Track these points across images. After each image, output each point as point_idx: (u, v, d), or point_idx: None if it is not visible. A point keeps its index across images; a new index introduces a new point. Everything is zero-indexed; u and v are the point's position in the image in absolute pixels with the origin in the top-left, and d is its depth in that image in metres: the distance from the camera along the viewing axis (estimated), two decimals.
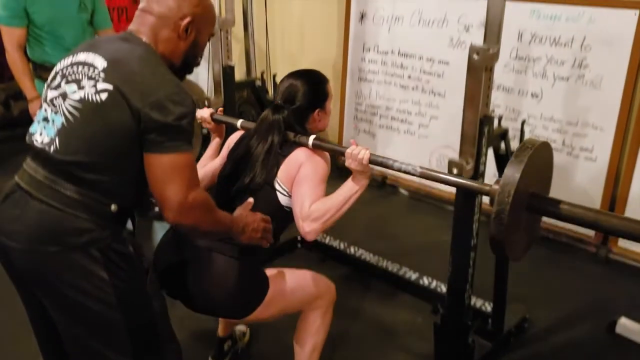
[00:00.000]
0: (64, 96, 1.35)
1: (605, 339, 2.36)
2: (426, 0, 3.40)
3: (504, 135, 1.99)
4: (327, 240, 2.90)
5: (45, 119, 1.38)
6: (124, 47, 1.38)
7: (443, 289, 2.43)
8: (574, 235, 3.03)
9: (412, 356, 2.27)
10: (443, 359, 2.05)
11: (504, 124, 2.00)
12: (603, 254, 2.91)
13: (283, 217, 1.75)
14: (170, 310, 1.53)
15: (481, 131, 1.79)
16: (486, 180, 1.85)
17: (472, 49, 1.70)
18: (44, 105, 1.40)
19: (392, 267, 2.68)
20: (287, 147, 1.77)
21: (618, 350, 2.30)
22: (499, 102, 3.17)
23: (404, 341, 2.34)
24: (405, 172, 1.73)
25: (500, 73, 3.08)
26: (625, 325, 2.34)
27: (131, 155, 1.32)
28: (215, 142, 2.10)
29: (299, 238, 2.95)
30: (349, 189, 1.72)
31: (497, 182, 1.60)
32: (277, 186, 1.72)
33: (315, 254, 2.91)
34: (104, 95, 1.30)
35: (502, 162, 1.98)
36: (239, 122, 2.04)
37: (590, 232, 2.97)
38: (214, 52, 2.90)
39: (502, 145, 1.99)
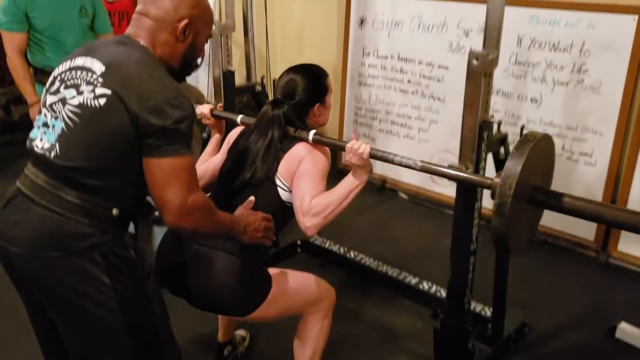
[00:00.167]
0: (63, 101, 1.35)
1: (605, 343, 2.35)
2: (426, 5, 3.41)
3: (503, 140, 1.99)
4: (327, 245, 2.91)
5: (45, 125, 1.38)
6: (121, 51, 1.37)
7: (443, 293, 2.43)
8: (573, 239, 3.03)
9: None
10: None
11: (503, 128, 2.00)
12: (603, 258, 2.91)
13: (284, 212, 1.75)
14: (170, 315, 1.53)
15: (480, 136, 1.79)
16: None
17: (472, 55, 1.70)
18: (44, 111, 1.40)
19: (392, 271, 2.68)
20: (287, 142, 1.76)
21: (618, 355, 2.30)
22: (498, 107, 3.18)
23: (403, 346, 2.34)
24: (406, 166, 1.73)
25: (500, 78, 3.09)
26: (625, 330, 2.34)
27: (131, 160, 1.32)
28: (215, 138, 2.10)
29: (299, 242, 2.95)
30: (350, 184, 1.71)
31: (498, 174, 1.59)
32: (277, 181, 1.72)
33: (315, 259, 2.91)
34: (102, 100, 1.30)
35: (501, 166, 1.98)
36: (239, 118, 2.03)
37: (590, 237, 2.98)
38: (214, 57, 2.90)
39: (502, 150, 2.00)
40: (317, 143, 1.77)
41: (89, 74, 1.34)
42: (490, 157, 1.93)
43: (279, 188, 1.73)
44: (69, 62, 1.41)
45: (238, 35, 3.17)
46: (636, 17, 2.66)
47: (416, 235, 3.28)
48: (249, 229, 1.57)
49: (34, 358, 1.66)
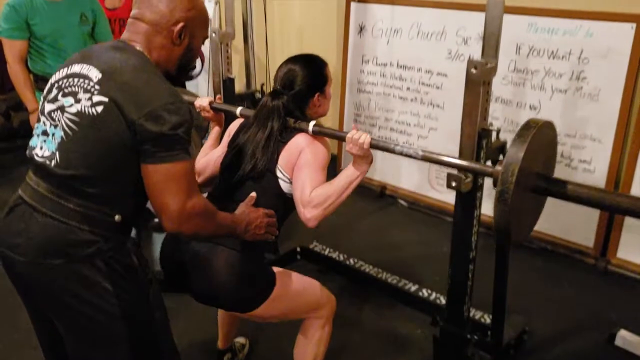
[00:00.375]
0: (62, 109, 1.34)
1: (605, 351, 2.35)
2: (425, 13, 3.42)
3: (502, 147, 1.99)
4: (326, 252, 2.91)
5: (45, 133, 1.38)
6: (117, 57, 1.36)
7: (442, 300, 2.43)
8: (572, 246, 3.04)
9: None
10: None
11: (502, 136, 2.00)
12: (602, 265, 2.91)
13: (286, 204, 1.75)
14: (171, 322, 1.53)
15: (479, 144, 1.79)
16: (484, 193, 1.86)
17: (470, 63, 1.70)
18: (42, 119, 1.40)
19: (392, 278, 2.68)
20: (287, 133, 1.76)
21: None
22: (497, 115, 3.19)
23: (403, 353, 2.34)
24: (407, 155, 1.71)
25: (499, 85, 3.10)
26: (625, 338, 2.34)
27: (130, 166, 1.32)
28: (214, 131, 2.09)
29: (298, 249, 2.95)
30: (350, 174, 1.71)
31: (499, 162, 1.56)
32: (278, 173, 1.72)
33: (314, 265, 2.91)
34: (99, 108, 1.30)
35: None
36: (238, 110, 2.01)
37: (589, 244, 2.98)
38: (214, 64, 2.91)
39: (501, 157, 2.00)
40: (317, 134, 1.76)
41: (86, 81, 1.33)
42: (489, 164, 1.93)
43: (280, 180, 1.72)
44: (65, 69, 1.40)
45: (238, 42, 3.18)
46: (634, 25, 2.68)
47: (416, 242, 3.28)
48: (250, 227, 1.57)
49: None
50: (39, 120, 1.42)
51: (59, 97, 1.36)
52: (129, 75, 1.32)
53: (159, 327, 1.47)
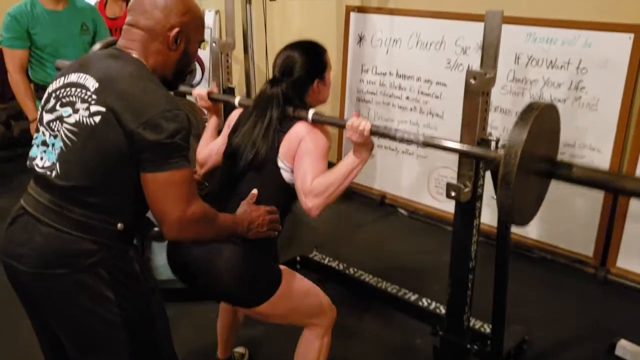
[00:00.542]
0: (60, 120, 1.34)
1: None
2: (424, 23, 3.44)
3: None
4: (326, 261, 2.90)
5: (44, 143, 1.38)
6: (114, 66, 1.36)
7: (442, 310, 2.42)
8: (572, 256, 3.04)
9: None
10: None
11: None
12: (601, 275, 2.91)
13: (289, 194, 1.74)
14: (171, 330, 1.53)
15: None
16: (484, 202, 1.86)
17: (469, 74, 1.70)
18: (41, 129, 1.39)
19: (391, 288, 2.68)
20: (286, 122, 1.74)
21: None
22: (496, 124, 3.19)
23: None
24: (407, 141, 1.71)
25: (498, 95, 3.11)
26: (625, 348, 2.34)
27: (130, 175, 1.32)
28: (212, 121, 2.08)
29: (298, 258, 2.95)
30: (351, 162, 1.70)
31: (502, 146, 1.54)
32: (280, 163, 1.71)
33: (314, 274, 2.90)
34: (97, 118, 1.29)
35: None
36: (237, 100, 2.00)
37: (589, 253, 2.98)
38: (215, 74, 2.92)
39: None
40: (316, 122, 1.75)
41: (83, 91, 1.33)
42: (488, 175, 1.93)
43: (281, 170, 1.71)
44: (62, 78, 1.40)
45: (238, 52, 3.19)
46: (632, 35, 2.69)
47: (415, 251, 3.27)
48: (252, 225, 1.57)
49: None
50: (37, 130, 1.42)
51: (57, 107, 1.36)
52: (125, 83, 1.32)
53: (161, 336, 1.47)
